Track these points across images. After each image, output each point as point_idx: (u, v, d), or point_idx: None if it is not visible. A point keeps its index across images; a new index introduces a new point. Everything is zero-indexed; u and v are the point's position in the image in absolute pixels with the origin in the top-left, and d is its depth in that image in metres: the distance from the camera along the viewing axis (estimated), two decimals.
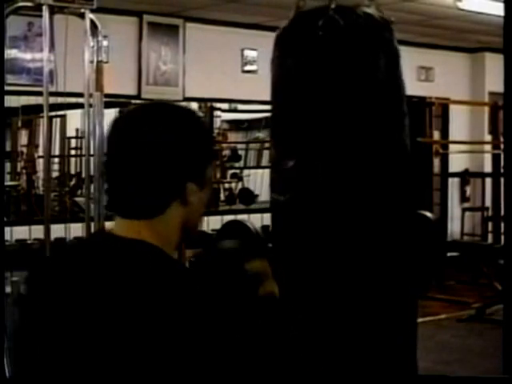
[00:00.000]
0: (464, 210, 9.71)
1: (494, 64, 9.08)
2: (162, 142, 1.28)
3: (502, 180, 6.00)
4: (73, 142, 9.17)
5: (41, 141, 7.95)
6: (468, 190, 9.92)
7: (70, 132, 8.84)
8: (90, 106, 4.81)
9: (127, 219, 1.32)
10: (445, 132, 9.59)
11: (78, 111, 5.70)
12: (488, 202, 9.23)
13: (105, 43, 5.65)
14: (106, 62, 5.98)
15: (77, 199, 7.57)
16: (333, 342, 1.85)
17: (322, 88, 1.82)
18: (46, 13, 4.59)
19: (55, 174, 8.32)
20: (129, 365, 1.21)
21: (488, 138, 9.06)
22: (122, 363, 1.21)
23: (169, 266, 1.29)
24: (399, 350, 1.94)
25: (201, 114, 1.33)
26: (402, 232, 1.87)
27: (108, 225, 1.46)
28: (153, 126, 1.29)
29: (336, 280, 1.82)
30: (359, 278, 1.82)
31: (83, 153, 5.75)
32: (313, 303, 1.87)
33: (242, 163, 11.13)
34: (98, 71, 4.83)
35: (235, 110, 10.30)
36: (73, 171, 9.04)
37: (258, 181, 10.45)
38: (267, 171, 10.92)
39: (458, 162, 9.56)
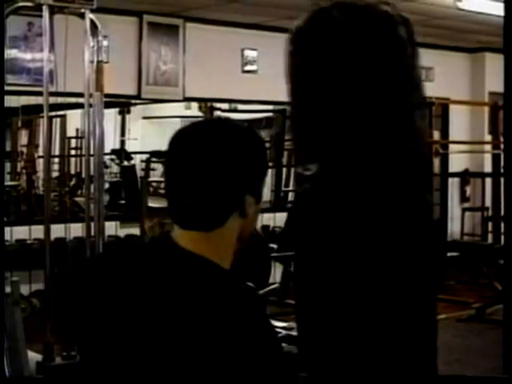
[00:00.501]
0: (464, 210, 9.71)
1: (494, 64, 9.08)
2: (222, 157, 1.33)
3: (502, 180, 6.00)
4: (73, 142, 9.17)
5: (41, 141, 7.95)
6: (468, 189, 9.92)
7: (70, 132, 8.84)
8: (90, 105, 4.82)
9: (186, 230, 1.35)
10: (445, 132, 9.59)
11: (78, 111, 5.71)
12: (488, 202, 9.23)
13: (105, 43, 5.66)
14: (106, 62, 5.97)
15: (77, 199, 7.58)
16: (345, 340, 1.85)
17: (337, 83, 1.82)
18: (46, 13, 4.59)
19: (55, 174, 8.32)
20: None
21: (488, 138, 9.06)
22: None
23: (221, 289, 1.31)
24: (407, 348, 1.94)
25: (256, 131, 1.42)
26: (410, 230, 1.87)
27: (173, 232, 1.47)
28: (214, 142, 1.35)
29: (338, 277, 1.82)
30: (364, 277, 1.82)
31: (83, 153, 5.75)
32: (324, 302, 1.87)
33: None
34: (98, 71, 4.83)
35: (235, 110, 10.29)
36: (73, 171, 9.05)
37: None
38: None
39: (458, 162, 9.56)
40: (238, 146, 1.36)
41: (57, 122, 8.38)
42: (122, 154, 9.36)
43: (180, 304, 1.28)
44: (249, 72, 8.15)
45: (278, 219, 8.03)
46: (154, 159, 10.65)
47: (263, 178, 1.40)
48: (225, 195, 1.33)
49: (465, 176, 9.83)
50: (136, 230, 6.86)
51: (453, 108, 9.53)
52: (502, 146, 7.91)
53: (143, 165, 10.09)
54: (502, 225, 6.83)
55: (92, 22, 4.79)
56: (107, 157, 8.42)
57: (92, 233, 4.84)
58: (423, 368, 1.97)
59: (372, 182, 1.78)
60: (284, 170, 9.22)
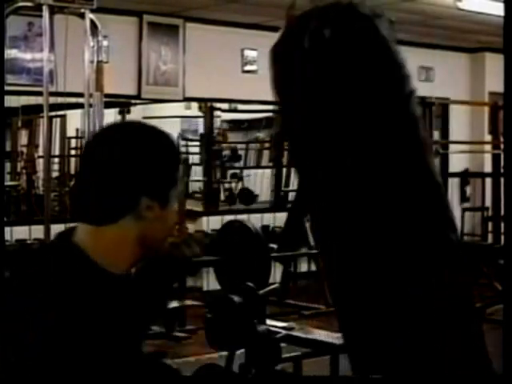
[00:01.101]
0: (464, 210, 9.70)
1: (494, 64, 9.08)
2: (124, 158, 1.38)
3: (502, 180, 6.00)
4: (73, 142, 9.16)
5: (41, 141, 7.94)
6: (468, 189, 9.92)
7: (70, 132, 8.83)
8: (90, 105, 4.82)
9: (83, 223, 1.41)
10: (445, 132, 9.59)
11: (78, 111, 5.70)
12: (488, 202, 9.23)
13: (105, 43, 5.66)
14: (106, 62, 5.98)
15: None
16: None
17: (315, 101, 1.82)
18: (46, 13, 4.59)
19: (55, 174, 8.32)
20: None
21: (488, 138, 9.06)
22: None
23: (74, 279, 1.35)
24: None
25: (171, 137, 1.48)
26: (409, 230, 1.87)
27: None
28: (118, 144, 1.40)
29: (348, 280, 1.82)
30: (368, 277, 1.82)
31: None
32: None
33: (242, 163, 11.12)
34: (98, 71, 4.84)
35: (235, 110, 10.28)
36: (73, 171, 9.04)
37: (258, 181, 10.46)
38: (267, 171, 10.92)
39: (458, 162, 9.55)
40: (138, 149, 1.40)
41: (57, 122, 8.37)
42: None
43: (41, 299, 1.32)
44: (249, 72, 8.15)
45: (278, 219, 8.04)
46: None
47: (170, 185, 1.43)
48: (118, 193, 1.37)
49: (465, 176, 9.83)
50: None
51: (453, 108, 9.53)
52: (502, 146, 7.91)
53: None
54: (502, 225, 6.83)
55: (92, 21, 4.79)
56: None
57: None
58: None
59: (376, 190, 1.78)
60: (284, 170, 9.22)
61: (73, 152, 9.14)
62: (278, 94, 1.88)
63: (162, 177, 1.42)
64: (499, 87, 3.70)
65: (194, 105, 9.29)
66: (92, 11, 4.78)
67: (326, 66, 1.78)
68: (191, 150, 11.43)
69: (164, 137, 1.49)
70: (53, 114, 6.01)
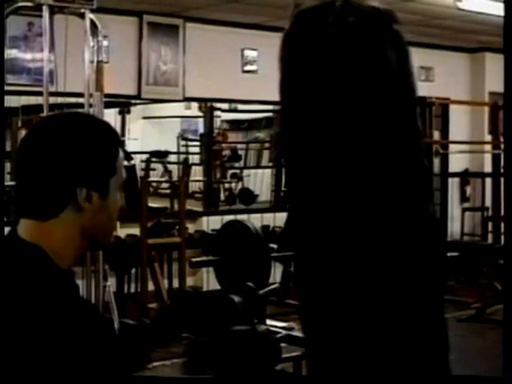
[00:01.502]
0: (464, 210, 9.71)
1: (493, 64, 9.09)
2: (55, 149, 1.35)
3: (502, 180, 6.00)
4: None
5: None
6: (468, 189, 9.92)
7: None
8: (90, 105, 4.82)
9: (26, 219, 1.40)
10: (445, 132, 9.59)
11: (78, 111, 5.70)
12: (488, 202, 9.23)
13: (105, 43, 5.66)
14: (106, 62, 5.98)
15: None
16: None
17: (333, 86, 1.82)
18: (46, 13, 4.59)
19: None
20: None
21: (488, 138, 9.06)
22: None
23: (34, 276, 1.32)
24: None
25: (110, 126, 1.46)
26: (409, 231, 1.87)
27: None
28: (51, 135, 1.38)
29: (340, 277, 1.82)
30: (365, 276, 1.81)
31: None
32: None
33: (242, 163, 11.13)
34: (98, 71, 4.83)
35: (235, 110, 10.29)
36: None
37: (258, 181, 10.46)
38: (267, 171, 10.93)
39: (458, 162, 9.56)
40: (72, 140, 1.37)
41: None
42: None
43: None
44: (249, 72, 8.15)
45: (278, 219, 8.04)
46: (153, 159, 10.66)
47: (108, 173, 1.40)
48: (53, 185, 1.35)
49: (465, 176, 9.83)
50: (136, 230, 6.86)
51: (453, 108, 9.53)
52: (502, 146, 7.91)
53: (143, 165, 10.09)
54: (502, 225, 6.83)
55: (92, 21, 4.79)
56: None
57: None
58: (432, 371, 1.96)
59: (374, 187, 1.78)
60: (284, 170, 9.21)
61: None
62: (292, 77, 1.87)
63: (99, 166, 1.39)
64: (499, 87, 3.70)
65: (194, 105, 9.29)
66: (92, 11, 4.78)
67: (350, 55, 1.78)
68: (191, 149, 11.44)
69: (100, 126, 1.44)
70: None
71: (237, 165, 10.89)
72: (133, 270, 7.06)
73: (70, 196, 1.36)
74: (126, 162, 9.38)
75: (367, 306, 1.82)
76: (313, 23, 1.83)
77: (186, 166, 10.54)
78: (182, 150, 11.54)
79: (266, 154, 11.05)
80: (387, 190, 1.81)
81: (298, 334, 3.41)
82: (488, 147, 8.98)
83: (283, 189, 9.16)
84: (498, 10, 4.76)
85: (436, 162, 9.44)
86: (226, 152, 10.74)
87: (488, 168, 8.98)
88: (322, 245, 1.85)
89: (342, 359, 1.86)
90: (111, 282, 5.20)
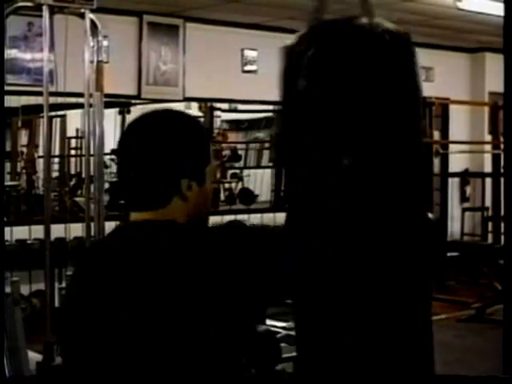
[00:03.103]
0: (464, 210, 9.71)
1: (493, 64, 9.08)
2: (160, 146, 1.51)
3: (502, 180, 6.00)
4: (73, 142, 9.16)
5: (41, 141, 7.95)
6: (468, 189, 9.92)
7: (70, 132, 8.83)
8: (90, 105, 4.81)
9: (138, 212, 1.53)
10: (445, 132, 9.59)
11: (78, 111, 5.70)
12: (488, 202, 9.23)
13: (105, 43, 5.65)
14: (106, 62, 5.97)
15: (77, 199, 7.58)
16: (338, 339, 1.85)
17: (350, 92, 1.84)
18: (46, 13, 4.58)
19: (55, 174, 8.32)
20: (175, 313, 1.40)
21: (488, 138, 9.06)
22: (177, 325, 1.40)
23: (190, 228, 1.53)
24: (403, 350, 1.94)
25: (200, 119, 1.60)
26: (409, 232, 1.87)
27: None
28: (154, 133, 1.54)
29: (342, 276, 1.82)
30: (360, 275, 1.82)
31: (83, 153, 5.74)
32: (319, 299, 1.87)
33: (242, 163, 11.12)
34: (98, 71, 4.83)
35: (235, 110, 10.29)
36: (73, 171, 9.04)
37: (258, 181, 10.45)
38: (267, 171, 10.92)
39: (458, 161, 9.56)
40: (174, 136, 1.53)
41: (57, 122, 8.37)
42: None
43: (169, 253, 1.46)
44: (249, 72, 8.15)
45: (278, 219, 8.03)
46: None
47: (204, 164, 1.59)
48: (161, 179, 1.50)
49: (465, 176, 9.83)
50: None
51: (453, 108, 9.53)
52: (502, 146, 7.91)
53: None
54: (502, 225, 6.83)
55: (92, 21, 4.79)
56: (107, 157, 8.40)
57: (92, 233, 4.83)
58: (418, 370, 1.96)
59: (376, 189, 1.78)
60: (283, 173, 9.21)
61: (73, 152, 9.14)
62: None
63: (196, 157, 1.55)
64: (499, 87, 3.70)
65: (194, 105, 9.29)
66: (92, 11, 4.77)
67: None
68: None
69: (192, 121, 1.61)
70: (53, 113, 6.01)
71: (237, 165, 10.89)
72: None
73: (175, 188, 1.51)
74: None
75: (357, 306, 1.82)
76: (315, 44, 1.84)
77: None
78: None
79: (266, 154, 11.05)
80: (385, 193, 1.81)
81: None
82: (488, 147, 8.98)
83: (283, 189, 9.15)
84: (498, 10, 4.76)
85: (436, 162, 9.45)
86: (226, 152, 10.74)
87: (488, 168, 8.99)
88: (317, 247, 1.86)
89: (332, 358, 1.87)
90: None
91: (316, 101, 1.81)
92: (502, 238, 7.03)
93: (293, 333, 3.35)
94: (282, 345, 3.04)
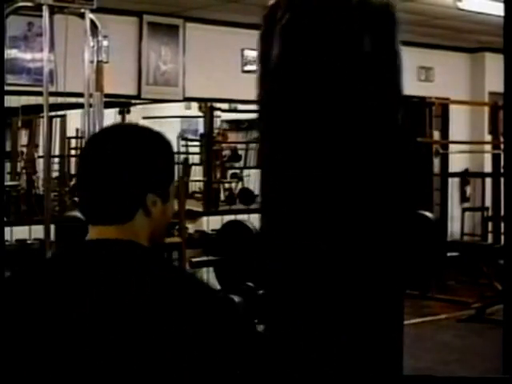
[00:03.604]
0: (464, 210, 9.70)
1: (493, 64, 9.08)
2: (126, 160, 1.46)
3: (502, 180, 6.00)
4: (73, 142, 9.16)
5: (41, 141, 7.95)
6: (468, 189, 9.92)
7: (70, 132, 8.83)
8: (90, 106, 4.82)
9: (101, 225, 1.46)
10: (445, 132, 9.59)
11: (78, 111, 5.70)
12: (488, 202, 9.23)
13: (105, 43, 5.66)
14: (106, 62, 5.97)
15: (77, 199, 7.57)
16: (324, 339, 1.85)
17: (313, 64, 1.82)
18: (46, 13, 4.59)
19: (55, 174, 8.32)
20: (130, 365, 1.31)
21: (488, 138, 9.06)
22: (125, 365, 1.30)
23: (154, 259, 1.45)
24: (387, 349, 1.94)
25: (166, 137, 1.57)
26: (400, 232, 1.87)
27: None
28: (120, 147, 1.48)
29: (333, 278, 1.81)
30: (356, 277, 1.81)
31: None
32: (307, 300, 1.86)
33: (242, 163, 11.12)
34: (98, 71, 4.83)
35: (235, 110, 10.29)
36: (73, 171, 9.04)
37: (258, 181, 10.44)
38: None
39: (458, 161, 9.55)
40: (140, 152, 1.48)
41: (57, 122, 8.37)
42: None
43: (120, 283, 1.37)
44: (249, 72, 8.14)
45: None
46: None
47: (169, 180, 1.52)
48: (127, 192, 1.45)
49: (465, 176, 9.83)
50: None
51: (453, 108, 9.53)
52: (502, 146, 7.90)
53: None
54: (502, 225, 6.82)
55: (92, 21, 4.79)
56: None
57: None
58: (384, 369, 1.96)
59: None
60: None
61: (73, 152, 9.15)
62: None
63: (163, 173, 1.51)
64: (499, 87, 3.70)
65: (194, 105, 9.29)
66: (92, 11, 4.78)
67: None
68: (191, 149, 11.43)
69: (160, 136, 1.56)
70: (53, 113, 6.01)
71: (237, 165, 10.89)
72: None
73: (140, 201, 1.46)
74: None
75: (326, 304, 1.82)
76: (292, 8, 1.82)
77: (186, 166, 10.54)
78: (182, 149, 11.54)
79: None
80: (365, 194, 1.81)
81: None
82: (488, 147, 8.98)
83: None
84: (498, 10, 4.76)
85: (436, 161, 9.44)
86: (226, 152, 10.75)
87: (488, 168, 8.98)
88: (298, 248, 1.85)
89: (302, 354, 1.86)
90: None
91: (290, 71, 1.81)
92: (502, 237, 7.02)
93: None
94: None
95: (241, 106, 9.86)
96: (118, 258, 1.42)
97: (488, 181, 9.10)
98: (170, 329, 1.32)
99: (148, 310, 1.33)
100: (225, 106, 9.55)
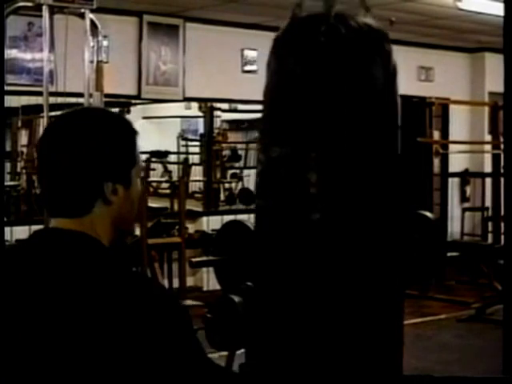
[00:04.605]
0: (464, 210, 9.70)
1: (494, 64, 9.07)
2: (80, 147, 1.38)
3: (502, 180, 6.00)
4: None
5: None
6: (468, 189, 9.92)
7: None
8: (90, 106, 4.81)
9: (60, 218, 1.41)
10: (445, 132, 9.59)
11: None
12: (488, 202, 9.23)
13: (105, 43, 5.66)
14: (106, 62, 5.97)
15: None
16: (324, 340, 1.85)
17: (320, 93, 1.83)
18: (45, 13, 4.59)
19: None
20: (78, 362, 1.28)
21: (488, 138, 9.06)
22: (72, 361, 1.29)
23: (104, 256, 1.39)
24: (387, 349, 1.94)
25: (125, 118, 1.49)
26: (399, 232, 1.87)
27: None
28: (74, 133, 1.40)
29: (331, 280, 1.81)
30: (355, 278, 1.81)
31: None
32: (305, 301, 1.86)
33: (242, 163, 11.12)
34: (98, 71, 4.83)
35: (235, 110, 10.29)
36: None
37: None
38: None
39: (458, 161, 9.55)
40: (94, 137, 1.40)
41: None
42: None
43: (63, 277, 1.33)
44: (249, 72, 8.14)
45: None
46: (153, 159, 10.66)
47: (129, 165, 1.44)
48: (82, 182, 1.38)
49: (465, 176, 9.83)
50: (136, 230, 6.86)
51: (453, 108, 9.53)
52: (502, 146, 7.90)
53: (143, 165, 10.09)
54: (502, 225, 6.82)
55: (92, 21, 4.79)
56: None
57: None
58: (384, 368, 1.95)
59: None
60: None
61: None
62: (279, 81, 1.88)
63: (121, 159, 1.42)
64: (499, 87, 3.70)
65: (194, 105, 9.29)
66: (92, 11, 4.78)
67: (342, 62, 1.79)
68: (191, 149, 11.43)
69: (116, 119, 1.48)
70: (53, 114, 6.01)
71: (237, 165, 10.89)
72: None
73: (98, 191, 1.39)
74: None
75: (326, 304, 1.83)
76: (305, 31, 1.84)
77: (185, 166, 10.54)
78: (182, 149, 11.54)
79: None
80: (364, 199, 1.81)
81: None
82: (488, 147, 8.97)
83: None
84: (498, 10, 4.76)
85: (436, 161, 9.45)
86: (226, 152, 10.74)
87: (488, 168, 8.98)
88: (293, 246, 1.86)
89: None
90: None
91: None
92: (502, 237, 7.02)
93: None
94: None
95: (241, 106, 9.86)
96: (54, 250, 1.37)
97: (488, 181, 9.10)
98: (89, 321, 1.28)
99: (71, 302, 1.30)
100: (225, 106, 9.55)
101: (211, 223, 7.81)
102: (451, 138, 9.49)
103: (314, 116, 1.81)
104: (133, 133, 1.46)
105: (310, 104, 1.82)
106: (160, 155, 10.62)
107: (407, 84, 7.57)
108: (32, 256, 1.39)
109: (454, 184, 9.73)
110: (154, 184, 10.31)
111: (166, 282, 7.13)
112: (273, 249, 1.88)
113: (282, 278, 1.86)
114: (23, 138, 8.99)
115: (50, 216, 1.43)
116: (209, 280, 7.52)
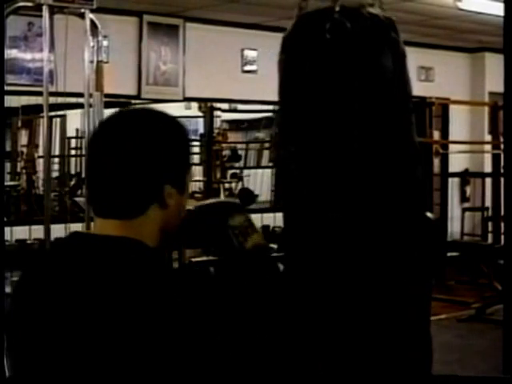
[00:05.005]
0: (464, 210, 9.71)
1: (494, 64, 9.08)
2: (140, 149, 1.34)
3: (502, 180, 6.00)
4: (73, 142, 9.17)
5: (41, 141, 7.95)
6: (468, 189, 9.92)
7: (70, 132, 8.84)
8: (90, 106, 4.81)
9: (109, 219, 1.36)
10: (445, 132, 9.59)
11: (78, 111, 5.70)
12: (488, 202, 9.23)
13: (105, 43, 5.65)
14: (106, 62, 5.97)
15: (77, 199, 7.57)
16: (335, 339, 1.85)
17: (330, 89, 1.83)
18: (45, 13, 4.58)
19: (55, 174, 8.32)
20: (120, 364, 1.24)
21: (488, 138, 9.06)
22: (114, 363, 1.25)
23: (153, 261, 1.34)
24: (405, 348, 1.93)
25: (182, 122, 1.45)
26: (400, 232, 1.86)
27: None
28: (134, 133, 1.36)
29: (336, 278, 1.81)
30: (356, 277, 1.81)
31: (83, 153, 5.75)
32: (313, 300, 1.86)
33: (242, 163, 11.12)
34: (98, 71, 4.83)
35: (235, 110, 10.29)
36: (73, 171, 9.05)
37: (258, 181, 10.45)
38: (267, 171, 10.94)
39: (458, 161, 9.56)
40: (155, 139, 1.37)
41: (57, 122, 8.38)
42: None
43: (109, 282, 1.28)
44: (249, 72, 8.15)
45: (278, 219, 8.03)
46: None
47: (185, 169, 1.42)
48: (141, 184, 1.34)
49: (465, 176, 9.83)
50: None
51: (453, 108, 9.53)
52: (502, 146, 7.90)
53: None
54: (502, 225, 6.82)
55: (92, 21, 4.79)
56: None
57: None
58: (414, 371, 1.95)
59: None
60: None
61: (73, 152, 9.15)
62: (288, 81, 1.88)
63: (179, 163, 1.40)
64: (499, 87, 3.70)
65: (194, 105, 9.29)
66: (92, 11, 4.77)
67: (349, 59, 1.79)
68: (191, 149, 11.42)
69: (175, 120, 1.47)
70: (53, 113, 6.01)
71: (237, 165, 10.89)
72: None
73: (156, 194, 1.35)
74: None
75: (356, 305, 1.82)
76: (311, 28, 1.84)
77: None
78: None
79: (266, 153, 11.05)
80: (378, 196, 1.81)
81: None
82: (488, 147, 8.98)
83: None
84: (498, 10, 4.76)
85: (436, 161, 9.44)
86: (226, 152, 10.74)
87: (488, 168, 8.98)
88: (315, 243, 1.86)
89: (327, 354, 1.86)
90: None
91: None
92: (502, 237, 7.03)
93: None
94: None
95: (241, 106, 9.86)
96: (104, 259, 1.31)
97: (488, 181, 9.11)
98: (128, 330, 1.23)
99: (111, 312, 1.25)
100: (225, 106, 9.55)
101: None
102: (451, 137, 9.50)
103: (325, 114, 1.81)
104: (188, 136, 1.47)
105: (321, 102, 1.82)
106: None
107: None
108: (76, 262, 1.34)
109: (453, 184, 9.73)
110: None
111: None
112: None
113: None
114: (23, 138, 8.98)
115: (97, 216, 1.38)
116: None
